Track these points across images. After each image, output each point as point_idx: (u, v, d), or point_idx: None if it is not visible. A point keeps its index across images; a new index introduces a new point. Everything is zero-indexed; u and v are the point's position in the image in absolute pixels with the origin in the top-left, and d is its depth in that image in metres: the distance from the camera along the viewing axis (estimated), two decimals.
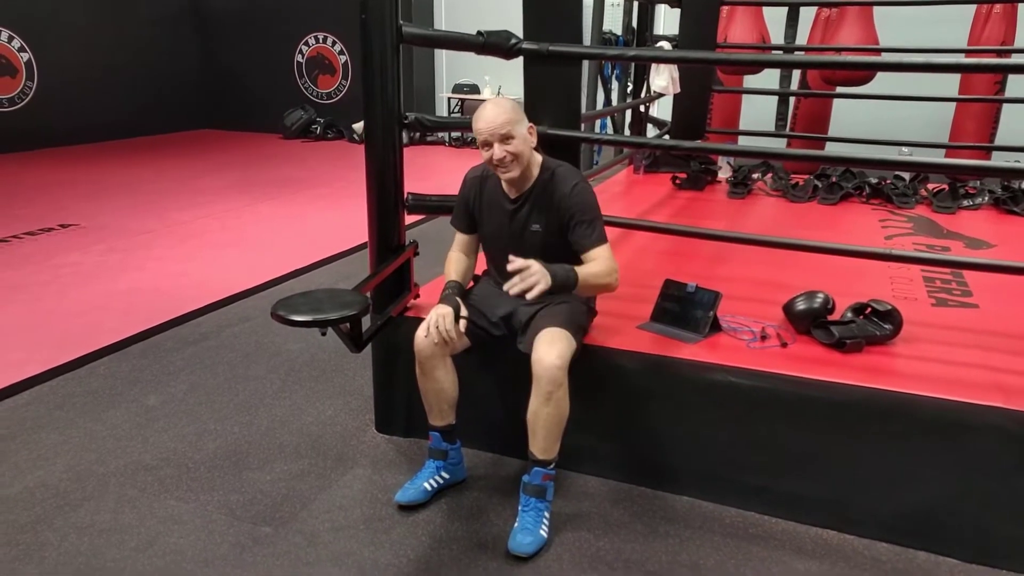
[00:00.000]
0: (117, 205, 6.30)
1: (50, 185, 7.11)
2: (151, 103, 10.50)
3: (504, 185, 2.29)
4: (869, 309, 2.45)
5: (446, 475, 2.40)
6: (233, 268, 4.69)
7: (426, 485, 2.36)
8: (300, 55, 10.77)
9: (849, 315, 2.45)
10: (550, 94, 2.66)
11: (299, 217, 6.08)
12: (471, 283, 2.51)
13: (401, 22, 2.40)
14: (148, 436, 2.74)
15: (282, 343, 3.56)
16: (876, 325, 2.40)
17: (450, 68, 10.13)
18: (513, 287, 1.99)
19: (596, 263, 2.18)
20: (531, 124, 2.25)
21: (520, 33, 2.67)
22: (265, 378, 3.22)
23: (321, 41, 10.60)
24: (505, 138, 2.16)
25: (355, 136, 10.14)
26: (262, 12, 10.70)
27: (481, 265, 2.57)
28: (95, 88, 9.68)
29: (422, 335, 2.26)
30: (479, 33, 2.58)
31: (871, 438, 2.15)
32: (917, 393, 2.10)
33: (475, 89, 9.79)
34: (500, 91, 9.70)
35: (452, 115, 9.94)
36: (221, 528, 2.23)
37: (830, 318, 2.45)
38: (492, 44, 2.58)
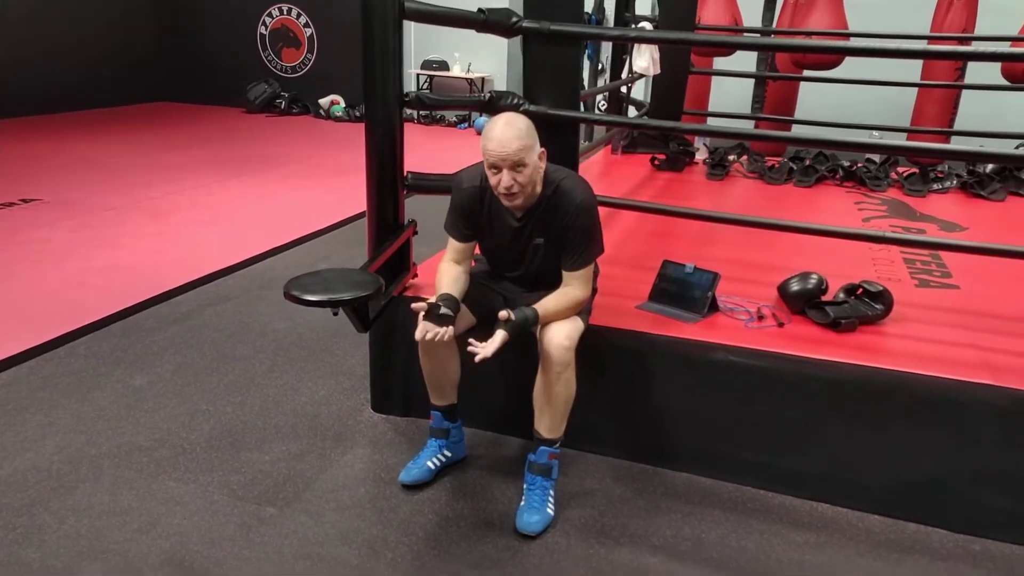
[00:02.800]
0: (80, 180, 6.10)
1: (5, 158, 6.84)
2: (106, 73, 10.15)
3: None
4: (861, 290, 2.52)
5: (448, 453, 2.42)
6: (209, 246, 4.59)
7: (429, 464, 2.37)
8: (263, 27, 10.51)
9: (842, 296, 2.52)
10: (550, 74, 2.65)
11: (272, 195, 5.97)
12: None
13: None
14: (138, 417, 2.69)
15: (267, 322, 3.52)
16: (868, 305, 2.47)
17: (419, 44, 10.00)
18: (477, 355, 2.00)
19: (564, 294, 2.15)
20: (542, 149, 2.11)
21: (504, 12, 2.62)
22: (253, 358, 3.17)
23: (285, 13, 10.35)
24: (516, 165, 2.02)
25: (321, 111, 9.97)
26: None
27: None
28: (49, 58, 9.30)
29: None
30: (480, 11, 2.56)
31: (865, 415, 2.23)
32: (911, 371, 2.18)
33: (444, 65, 9.69)
34: (470, 68, 9.63)
35: (422, 90, 9.82)
36: (225, 509, 2.21)
37: (823, 299, 2.51)
38: (493, 22, 2.56)
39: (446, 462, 2.41)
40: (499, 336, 2.03)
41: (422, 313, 2.04)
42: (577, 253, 2.16)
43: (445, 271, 2.24)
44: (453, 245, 2.28)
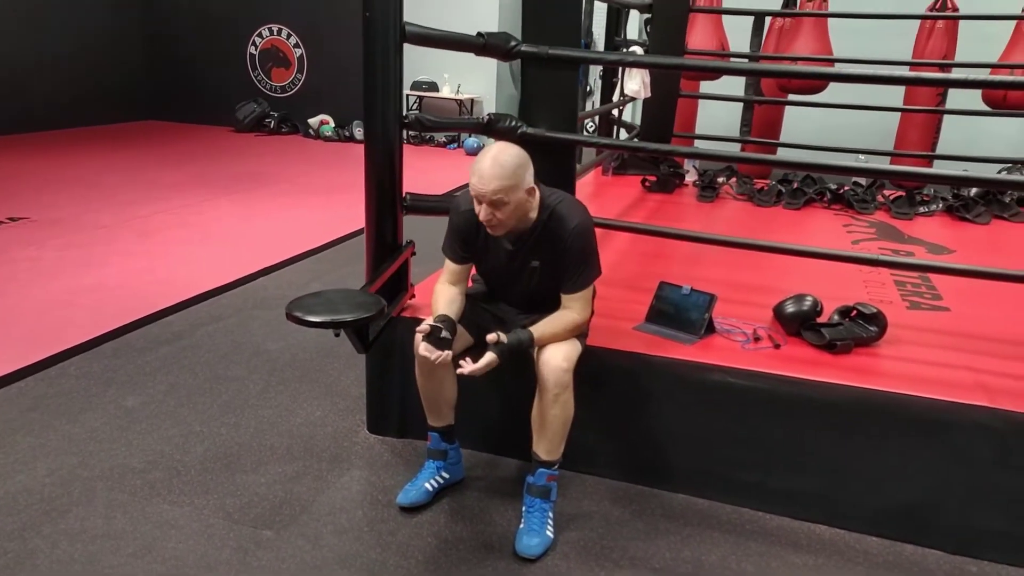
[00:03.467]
0: (68, 198, 6.06)
1: None
2: (95, 92, 10.10)
3: None
4: (855, 312, 2.54)
5: (446, 475, 2.41)
6: (199, 265, 4.57)
7: (427, 486, 2.35)
8: (253, 47, 10.53)
9: (836, 318, 2.54)
10: (548, 97, 2.68)
11: (262, 214, 5.95)
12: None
13: (405, 21, 2.39)
14: (131, 439, 2.66)
15: (260, 342, 3.50)
16: (862, 327, 2.50)
17: (409, 65, 10.04)
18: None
19: (563, 317, 2.16)
20: (533, 185, 2.07)
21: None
22: (247, 379, 3.15)
23: (275, 33, 10.39)
24: (495, 204, 2.02)
25: (311, 131, 9.98)
26: (214, 0, 10.41)
27: None
28: (37, 76, 9.26)
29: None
30: (479, 34, 2.59)
31: (861, 436, 2.25)
32: (907, 393, 2.20)
33: (434, 87, 9.75)
34: (459, 89, 9.69)
35: (411, 112, 9.86)
36: (220, 532, 2.18)
37: (819, 320, 2.54)
38: (492, 46, 2.60)
39: (444, 484, 2.40)
40: (487, 357, 2.03)
41: (421, 335, 2.05)
42: (575, 276, 2.16)
43: (441, 292, 2.24)
44: (449, 267, 2.28)
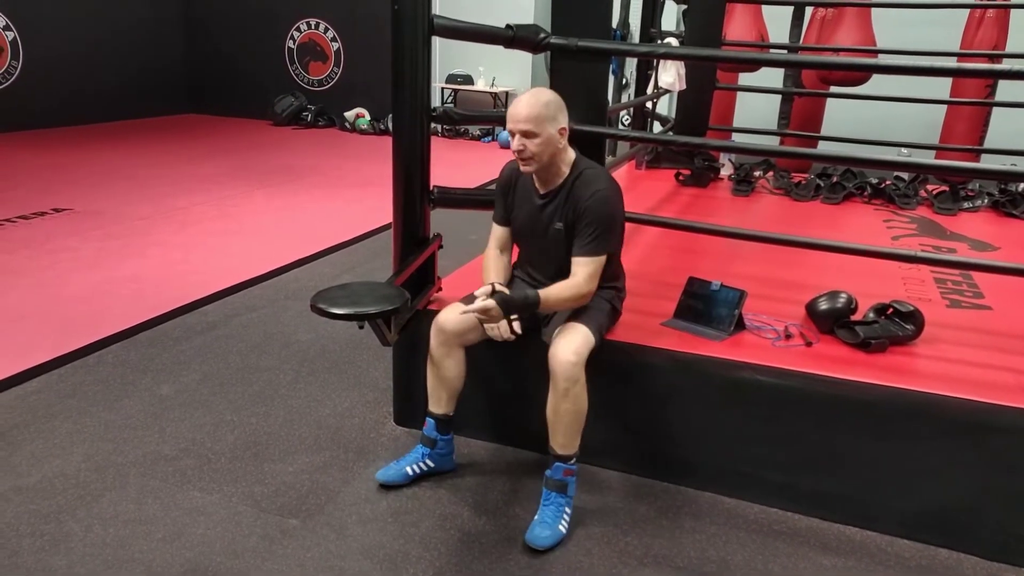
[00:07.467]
0: (110, 190, 6.20)
1: (38, 168, 6.98)
2: (136, 85, 10.32)
3: (535, 179, 2.28)
4: (891, 310, 2.48)
5: (431, 463, 2.41)
6: (235, 256, 4.64)
7: (408, 469, 2.39)
8: (291, 41, 10.65)
9: (871, 315, 2.48)
10: (577, 89, 2.65)
11: (297, 206, 6.02)
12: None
13: (434, 13, 2.38)
14: (164, 426, 2.71)
15: (291, 333, 3.54)
16: (898, 326, 2.43)
17: (444, 58, 10.06)
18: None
19: (568, 281, 2.19)
20: (564, 126, 2.18)
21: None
22: (278, 369, 3.19)
23: (313, 27, 10.49)
24: (526, 134, 2.12)
25: (347, 124, 10.07)
26: None
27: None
28: (81, 69, 9.50)
29: (448, 316, 2.30)
30: (508, 27, 2.58)
31: (896, 437, 2.19)
32: (943, 394, 2.14)
33: (469, 80, 9.75)
34: (494, 82, 9.68)
35: (445, 105, 9.88)
36: (248, 520, 2.22)
37: (853, 318, 2.48)
38: (521, 38, 2.58)
39: (427, 471, 2.41)
40: (483, 302, 2.08)
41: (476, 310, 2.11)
42: (586, 239, 2.19)
43: (490, 259, 2.39)
44: (494, 230, 2.43)
